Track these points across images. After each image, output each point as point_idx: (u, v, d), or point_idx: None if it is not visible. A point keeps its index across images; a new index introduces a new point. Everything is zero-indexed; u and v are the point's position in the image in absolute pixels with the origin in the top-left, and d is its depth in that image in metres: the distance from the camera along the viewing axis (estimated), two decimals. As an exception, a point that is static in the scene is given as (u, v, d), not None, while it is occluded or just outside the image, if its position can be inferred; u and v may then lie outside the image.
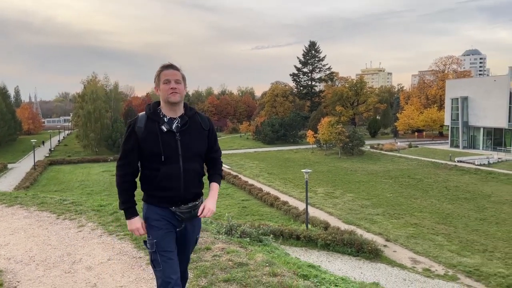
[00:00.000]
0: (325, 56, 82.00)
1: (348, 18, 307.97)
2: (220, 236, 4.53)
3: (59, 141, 76.49)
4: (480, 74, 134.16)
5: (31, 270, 3.80)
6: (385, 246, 19.88)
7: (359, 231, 21.19)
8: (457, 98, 53.12)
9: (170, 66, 2.60)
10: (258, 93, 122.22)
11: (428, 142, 63.67)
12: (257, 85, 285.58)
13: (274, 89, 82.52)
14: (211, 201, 2.59)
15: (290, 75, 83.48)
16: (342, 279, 3.68)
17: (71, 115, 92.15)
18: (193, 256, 3.94)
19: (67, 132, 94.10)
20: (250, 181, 35.65)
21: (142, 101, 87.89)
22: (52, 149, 63.94)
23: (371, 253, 18.24)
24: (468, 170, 38.75)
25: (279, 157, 52.09)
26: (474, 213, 25.46)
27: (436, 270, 17.33)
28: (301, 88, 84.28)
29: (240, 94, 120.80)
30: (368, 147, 54.72)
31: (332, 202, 28.54)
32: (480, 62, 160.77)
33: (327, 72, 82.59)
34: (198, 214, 2.51)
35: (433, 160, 44.41)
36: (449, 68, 74.77)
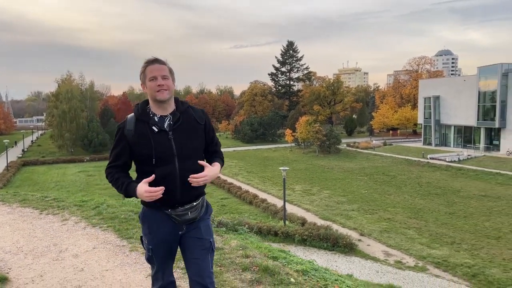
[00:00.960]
0: (303, 56, 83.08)
1: (326, 18, 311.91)
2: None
3: (32, 141, 74.77)
4: (452, 74, 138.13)
5: (20, 259, 4.06)
6: (359, 240, 20.58)
7: (335, 226, 21.84)
8: (430, 97, 54.86)
9: (155, 61, 2.41)
10: (237, 92, 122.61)
11: (402, 140, 65.50)
12: (236, 84, 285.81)
13: (253, 88, 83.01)
14: (209, 169, 2.40)
15: (269, 74, 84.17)
16: (309, 262, 4.09)
17: (45, 115, 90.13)
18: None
19: (40, 132, 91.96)
20: (229, 180, 35.98)
21: (118, 100, 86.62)
22: (25, 150, 62.49)
23: (346, 247, 18.88)
24: (440, 166, 40.19)
25: (258, 156, 52.59)
26: (444, 208, 26.55)
27: (407, 262, 18.11)
28: (280, 87, 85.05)
29: (219, 93, 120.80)
30: (345, 145, 55.87)
31: (309, 199, 29.19)
32: (452, 63, 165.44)
33: (305, 71, 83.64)
34: (189, 179, 2.30)
35: (406, 157, 45.77)
36: (422, 68, 77.05)
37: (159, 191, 2.22)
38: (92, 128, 61.12)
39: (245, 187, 32.97)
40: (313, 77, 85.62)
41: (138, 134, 2.34)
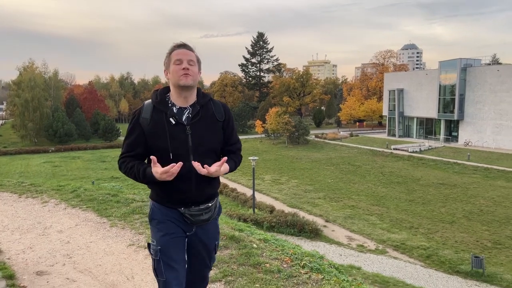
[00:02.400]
0: (273, 47, 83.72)
1: (296, 10, 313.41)
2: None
3: (-8, 131, 71.85)
4: (417, 68, 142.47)
5: (8, 235, 4.40)
6: (324, 226, 21.58)
7: (302, 214, 22.75)
8: (394, 90, 56.86)
9: (183, 45, 2.26)
10: (207, 83, 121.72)
11: (368, 131, 67.63)
12: (206, 74, 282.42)
13: (223, 79, 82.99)
14: (216, 165, 2.19)
15: (239, 65, 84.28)
16: (271, 235, 4.67)
17: (5, 104, 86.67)
18: (147, 219, 4.74)
19: (0, 121, 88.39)
20: (199, 170, 36.26)
21: (84, 89, 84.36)
22: (-14, 140, 60.13)
23: (311, 233, 19.81)
24: (402, 157, 42.04)
25: (227, 147, 53.02)
26: (405, 195, 28.05)
27: (368, 245, 19.24)
28: (250, 78, 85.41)
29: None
30: (313, 136, 57.17)
31: (278, 188, 30.03)
32: (417, 56, 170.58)
33: (275, 63, 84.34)
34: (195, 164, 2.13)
35: (371, 148, 47.50)
36: (388, 61, 79.41)
37: (175, 166, 2.05)
38: (57, 118, 59.49)
39: (215, 177, 33.39)
40: (283, 69, 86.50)
41: (154, 123, 2.18)
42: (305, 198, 27.27)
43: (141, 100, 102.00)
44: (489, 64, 55.77)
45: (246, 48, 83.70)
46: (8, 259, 3.65)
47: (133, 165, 2.19)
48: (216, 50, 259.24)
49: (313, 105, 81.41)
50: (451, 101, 49.76)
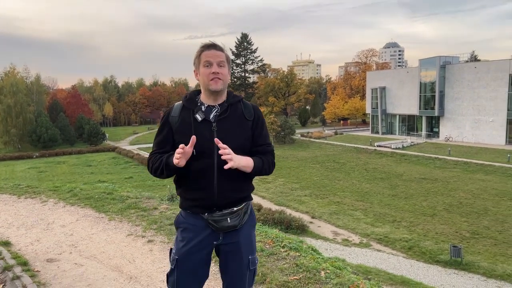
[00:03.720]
0: (257, 48, 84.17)
1: (280, 10, 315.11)
2: (164, 201, 5.80)
3: (-27, 138, 70.60)
4: (399, 66, 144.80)
5: (14, 231, 4.78)
6: (311, 222, 22.17)
7: (289, 211, 23.31)
8: (376, 88, 58.01)
9: (212, 46, 2.18)
10: (192, 84, 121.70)
11: (352, 129, 68.75)
12: (191, 76, 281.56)
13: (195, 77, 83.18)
14: (239, 157, 2.07)
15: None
16: (258, 224, 5.16)
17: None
18: (142, 213, 5.18)
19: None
20: (186, 171, 36.54)
21: (68, 94, 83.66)
22: (-33, 147, 59.21)
23: (298, 229, 20.36)
24: (386, 153, 43.04)
25: (214, 148, 53.31)
26: (388, 191, 28.87)
27: (353, 239, 19.89)
28: (235, 79, 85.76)
29: (174, 85, 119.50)
30: (299, 135, 57.92)
31: (265, 187, 30.55)
32: (399, 54, 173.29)
33: (260, 64, 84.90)
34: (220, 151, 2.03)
35: (355, 145, 48.44)
36: (370, 60, 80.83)
37: (189, 144, 2.02)
38: (40, 123, 58.98)
39: (202, 178, 33.74)
40: (267, 69, 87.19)
41: (181, 121, 2.18)
42: (292, 196, 27.86)
43: (126, 104, 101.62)
44: (467, 61, 57.34)
45: (231, 49, 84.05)
46: (19, 250, 4.04)
47: (160, 157, 2.16)
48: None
49: (298, 104, 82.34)
50: (431, 98, 51.06)
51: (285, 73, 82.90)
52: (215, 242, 2.18)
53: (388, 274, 14.69)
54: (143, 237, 4.34)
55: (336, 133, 59.60)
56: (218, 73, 2.12)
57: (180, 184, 2.22)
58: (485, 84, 45.59)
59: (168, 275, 2.21)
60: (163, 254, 3.83)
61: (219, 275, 2.34)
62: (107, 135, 68.09)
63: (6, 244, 4.20)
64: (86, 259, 3.77)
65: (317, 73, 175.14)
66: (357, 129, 68.75)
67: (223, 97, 2.22)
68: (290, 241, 3.97)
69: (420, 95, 52.10)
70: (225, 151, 2.00)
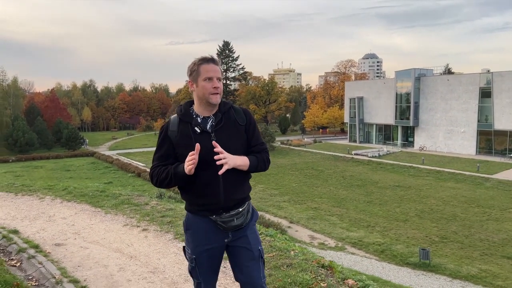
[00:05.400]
0: (239, 56, 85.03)
1: (262, 18, 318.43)
2: (153, 198, 6.37)
3: None
4: (377, 76, 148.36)
5: (19, 222, 5.25)
6: (289, 227, 22.89)
7: (268, 216, 23.98)
8: (354, 98, 59.62)
9: (211, 60, 2.33)
10: (173, 90, 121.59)
11: (331, 137, 70.22)
12: (171, 81, 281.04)
13: (189, 87, 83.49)
14: (234, 157, 2.24)
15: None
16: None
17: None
18: (135, 207, 5.75)
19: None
20: (167, 177, 36.76)
21: (45, 97, 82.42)
22: None
23: (276, 233, 21.03)
24: (362, 161, 44.32)
25: (195, 154, 53.59)
26: (363, 197, 29.90)
27: (329, 243, 20.70)
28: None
29: (154, 91, 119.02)
30: (279, 143, 58.85)
31: (245, 193, 31.16)
32: (377, 65, 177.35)
33: (241, 71, 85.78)
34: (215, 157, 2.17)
35: (334, 153, 49.63)
36: (349, 70, 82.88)
37: (195, 151, 2.14)
38: (17, 127, 58.03)
39: (183, 183, 34.07)
40: (249, 77, 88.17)
41: (181, 135, 2.31)
42: (271, 201, 28.55)
43: (105, 109, 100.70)
44: (441, 74, 59.66)
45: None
46: (28, 237, 4.54)
47: (166, 168, 2.28)
48: (182, 57, 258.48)
49: (278, 112, 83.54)
50: (407, 109, 52.88)
51: (266, 81, 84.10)
52: (226, 240, 2.35)
53: (360, 274, 15.48)
54: (138, 226, 4.90)
55: (315, 141, 60.84)
56: (218, 87, 2.29)
57: (186, 191, 2.34)
58: (457, 96, 47.63)
59: (191, 271, 2.42)
60: (157, 239, 4.43)
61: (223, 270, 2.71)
62: (87, 140, 67.43)
63: (15, 232, 4.69)
64: (90, 243, 4.31)
65: (297, 82, 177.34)
66: (335, 137, 70.24)
67: (216, 107, 2.37)
68: (267, 230, 4.63)
69: (396, 106, 53.86)
70: (220, 156, 2.15)
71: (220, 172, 2.15)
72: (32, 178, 39.94)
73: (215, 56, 2.37)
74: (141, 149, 59.01)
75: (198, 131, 2.29)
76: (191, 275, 2.43)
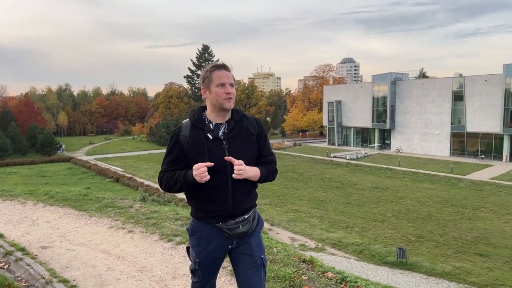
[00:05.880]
0: (218, 59, 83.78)
1: (241, 22, 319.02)
2: (136, 201, 6.45)
3: None
4: (355, 80, 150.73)
5: (2, 226, 5.25)
6: (270, 229, 23.08)
7: (248, 219, 24.12)
8: (333, 102, 60.55)
9: (223, 67, 2.37)
10: (151, 94, 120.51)
11: (310, 141, 71.04)
12: (150, 85, 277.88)
13: (168, 90, 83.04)
14: (248, 168, 2.26)
15: (185, 77, 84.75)
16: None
17: None
18: (120, 210, 5.82)
19: None
20: (146, 182, 36.46)
21: (19, 102, 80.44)
22: None
23: (257, 235, 21.20)
24: (341, 164, 45.05)
25: (174, 158, 53.30)
26: (342, 199, 30.43)
27: (309, 244, 20.99)
28: (196, 90, 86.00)
29: (132, 95, 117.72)
30: (259, 146, 59.06)
31: (225, 196, 31.22)
32: (355, 70, 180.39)
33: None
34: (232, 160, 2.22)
35: (313, 156, 50.24)
36: (327, 74, 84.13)
37: (206, 165, 2.18)
38: (-10, 131, 56.41)
39: (163, 188, 33.82)
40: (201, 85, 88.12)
41: (193, 140, 2.31)
42: (252, 204, 28.70)
43: (81, 113, 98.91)
44: (416, 78, 61.30)
45: (192, 60, 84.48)
46: (13, 240, 4.57)
47: (174, 173, 2.29)
48: (160, 61, 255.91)
49: (258, 116, 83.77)
50: (383, 112, 54.08)
51: (246, 85, 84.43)
52: (230, 247, 2.38)
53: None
54: (123, 228, 4.99)
55: (295, 145, 61.44)
56: (231, 93, 2.31)
57: (193, 197, 2.36)
58: (432, 100, 49.06)
59: (193, 271, 2.45)
60: (143, 240, 4.54)
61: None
62: (63, 145, 66.07)
63: (0, 236, 4.71)
64: (76, 246, 4.38)
65: (277, 86, 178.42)
66: (315, 140, 71.08)
67: (229, 114, 2.39)
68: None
69: (373, 109, 55.01)
70: (239, 167, 2.19)
71: (235, 177, 2.20)
72: (6, 185, 38.90)
73: (227, 64, 2.41)
74: (120, 154, 58.28)
75: (211, 137, 2.29)
76: (193, 274, 2.46)
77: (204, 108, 2.44)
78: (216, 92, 2.30)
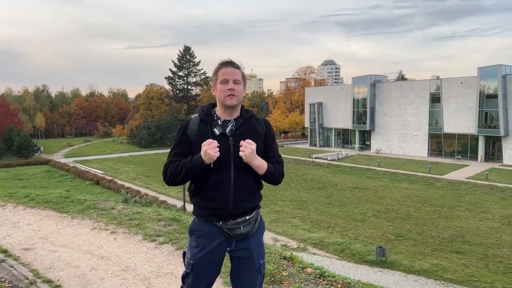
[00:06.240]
0: (200, 61, 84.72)
1: (224, 24, 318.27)
2: (118, 203, 6.47)
3: None
4: (335, 82, 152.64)
5: (-18, 229, 5.20)
6: (252, 230, 23.20)
7: (231, 220, 24.18)
8: (314, 104, 61.20)
9: (229, 63, 2.36)
10: (132, 95, 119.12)
11: (292, 142, 71.54)
12: (130, 86, 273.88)
13: (149, 92, 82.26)
14: (255, 154, 2.23)
15: (166, 78, 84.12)
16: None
17: None
18: (102, 212, 5.84)
19: None
20: (127, 185, 36.09)
21: (-5, 103, 78.16)
22: None
23: (240, 237, 21.28)
24: (323, 165, 45.56)
25: (156, 160, 52.84)
26: (324, 199, 30.81)
27: (291, 245, 21.19)
28: (177, 91, 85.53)
29: (112, 96, 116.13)
30: (241, 148, 59.12)
31: (208, 198, 31.17)
32: (336, 72, 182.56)
33: (202, 76, 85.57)
34: (240, 144, 2.21)
35: (295, 157, 50.63)
36: (309, 76, 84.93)
37: (214, 147, 2.15)
38: (-35, 134, 54.73)
39: (144, 190, 33.57)
40: (210, 82, 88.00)
41: (200, 134, 2.30)
42: (234, 206, 28.75)
43: (59, 115, 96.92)
44: (395, 80, 62.55)
45: (173, 61, 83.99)
46: (-6, 243, 4.55)
47: (178, 163, 2.27)
48: (141, 62, 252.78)
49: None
50: (363, 113, 54.97)
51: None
52: (228, 249, 2.33)
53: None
54: (106, 229, 5.02)
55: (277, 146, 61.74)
56: (233, 89, 2.29)
57: (195, 193, 2.35)
58: (410, 102, 50.16)
59: (184, 277, 2.37)
60: (127, 241, 4.58)
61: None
62: (41, 148, 64.67)
63: (-20, 238, 4.67)
64: (59, 247, 4.40)
65: (259, 87, 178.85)
66: (296, 142, 71.62)
67: (238, 112, 2.39)
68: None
69: (353, 111, 55.84)
70: (247, 144, 2.19)
71: (241, 154, 2.18)
72: (-19, 188, 37.88)
73: (234, 60, 2.40)
74: (99, 156, 57.42)
75: (217, 132, 2.30)
76: (183, 281, 2.38)
77: (214, 104, 2.45)
78: (220, 88, 2.31)
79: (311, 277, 3.44)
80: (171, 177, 2.27)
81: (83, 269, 3.80)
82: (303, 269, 3.52)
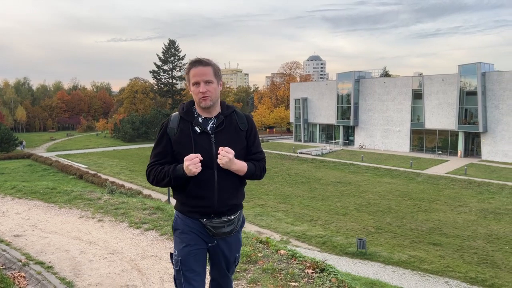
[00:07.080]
0: (185, 55, 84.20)
1: (209, 17, 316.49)
2: (104, 194, 6.70)
3: None
4: (321, 78, 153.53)
5: (-29, 218, 5.37)
6: (236, 224, 23.55)
7: (215, 214, 24.46)
8: (299, 99, 61.68)
9: (198, 62, 2.30)
10: (115, 89, 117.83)
11: (277, 137, 72.03)
12: (114, 80, 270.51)
13: (133, 85, 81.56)
14: (234, 160, 2.23)
15: (150, 72, 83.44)
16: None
17: None
18: (89, 202, 6.07)
19: None
20: (111, 179, 35.97)
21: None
22: None
23: (224, 230, 21.60)
24: (307, 160, 46.12)
25: (140, 155, 52.67)
26: (307, 193, 31.33)
27: (275, 237, 21.56)
28: (162, 85, 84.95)
29: (95, 90, 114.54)
30: (226, 142, 59.28)
31: (193, 192, 31.37)
32: (321, 67, 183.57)
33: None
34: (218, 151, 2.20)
35: (280, 152, 51.10)
36: (294, 72, 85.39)
37: (197, 156, 2.15)
38: None
39: (128, 185, 33.51)
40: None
41: (180, 132, 2.29)
42: (219, 200, 29.03)
43: (41, 108, 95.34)
44: (379, 76, 63.46)
45: (158, 55, 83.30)
46: (-16, 231, 4.75)
47: (163, 167, 2.27)
48: (125, 55, 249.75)
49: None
50: (347, 109, 55.71)
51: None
52: (210, 245, 2.38)
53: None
54: (93, 218, 5.26)
55: (262, 141, 62.13)
56: (205, 91, 2.24)
57: (179, 191, 2.34)
58: (393, 98, 51.06)
59: (175, 278, 2.38)
60: (113, 228, 4.84)
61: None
62: (24, 142, 63.65)
63: (-29, 227, 4.86)
64: (48, 234, 4.63)
65: (245, 82, 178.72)
66: (282, 137, 72.13)
67: (217, 109, 2.36)
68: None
69: (338, 106, 56.52)
70: (225, 152, 2.18)
71: (219, 161, 2.19)
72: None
73: (204, 58, 2.34)
74: (83, 150, 56.90)
75: (198, 131, 2.29)
76: (176, 285, 2.40)
77: (194, 102, 2.42)
78: (193, 90, 2.30)
79: (284, 258, 3.78)
80: (154, 181, 2.31)
81: (72, 252, 4.05)
82: (277, 251, 3.85)
